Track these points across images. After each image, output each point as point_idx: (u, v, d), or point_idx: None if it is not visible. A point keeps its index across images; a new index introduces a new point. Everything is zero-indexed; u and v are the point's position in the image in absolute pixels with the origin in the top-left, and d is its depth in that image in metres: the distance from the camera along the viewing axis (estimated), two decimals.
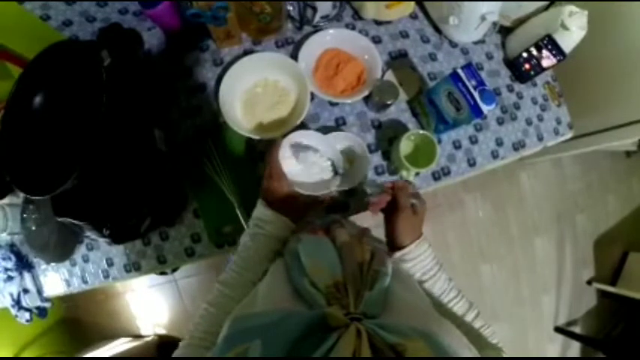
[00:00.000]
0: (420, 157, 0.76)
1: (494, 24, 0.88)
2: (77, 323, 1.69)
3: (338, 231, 0.46)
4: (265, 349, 0.25)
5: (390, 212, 0.52)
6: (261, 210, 0.53)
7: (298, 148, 0.59)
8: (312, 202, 0.57)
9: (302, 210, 0.56)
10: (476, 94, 0.70)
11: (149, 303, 1.74)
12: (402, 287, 0.39)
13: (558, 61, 0.84)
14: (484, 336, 0.48)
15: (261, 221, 0.52)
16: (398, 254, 0.50)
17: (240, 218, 0.74)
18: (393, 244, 0.52)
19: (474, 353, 0.31)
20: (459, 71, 0.70)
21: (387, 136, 0.83)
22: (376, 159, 0.83)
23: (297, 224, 0.54)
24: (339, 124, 0.83)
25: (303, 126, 0.80)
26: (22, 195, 0.83)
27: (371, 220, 0.58)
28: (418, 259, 0.49)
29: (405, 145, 0.75)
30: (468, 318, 0.48)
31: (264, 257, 0.51)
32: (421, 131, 0.72)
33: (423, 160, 0.73)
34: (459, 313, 0.49)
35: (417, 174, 0.80)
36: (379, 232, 0.61)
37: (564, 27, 0.81)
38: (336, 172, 0.60)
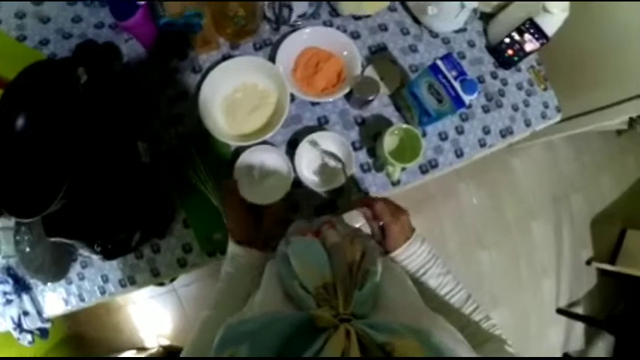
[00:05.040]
0: (405, 151, 0.76)
1: (475, 10, 0.87)
2: (81, 339, 1.69)
3: (329, 232, 0.46)
4: (252, 352, 0.25)
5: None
6: (232, 247, 0.59)
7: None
8: (274, 226, 0.66)
9: (268, 238, 0.63)
10: (457, 85, 0.69)
11: (151, 314, 1.73)
12: (393, 285, 0.39)
13: (541, 44, 0.83)
14: (484, 329, 0.47)
15: (236, 255, 0.58)
16: (388, 257, 0.52)
17: None
18: (384, 248, 0.54)
19: (468, 348, 0.30)
20: (439, 62, 0.69)
21: (372, 133, 0.83)
22: (362, 156, 0.82)
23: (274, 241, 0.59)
24: (322, 124, 0.82)
25: (286, 126, 0.81)
26: (13, 218, 0.83)
27: (362, 219, 0.59)
28: (410, 259, 0.51)
29: (390, 141, 0.74)
30: (466, 311, 0.48)
31: (247, 283, 0.55)
32: (404, 125, 0.72)
33: (408, 155, 0.73)
34: (455, 306, 0.49)
35: (404, 169, 0.79)
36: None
37: (546, 10, 0.80)
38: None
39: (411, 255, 0.51)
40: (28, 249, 0.78)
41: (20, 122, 0.64)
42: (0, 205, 0.57)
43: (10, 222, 0.83)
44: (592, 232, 2.02)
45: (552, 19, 0.82)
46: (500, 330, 0.48)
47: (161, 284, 1.61)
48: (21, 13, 0.83)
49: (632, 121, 1.37)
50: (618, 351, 1.87)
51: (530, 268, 1.93)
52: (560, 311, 1.92)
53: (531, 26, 0.83)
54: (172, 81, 0.83)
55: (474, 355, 0.30)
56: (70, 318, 1.60)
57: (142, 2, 0.71)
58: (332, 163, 0.75)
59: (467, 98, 0.69)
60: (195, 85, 0.82)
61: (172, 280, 1.58)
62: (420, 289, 0.49)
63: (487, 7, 0.91)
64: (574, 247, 1.99)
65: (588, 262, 1.99)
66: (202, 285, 1.71)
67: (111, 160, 0.67)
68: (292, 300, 0.35)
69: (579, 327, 1.98)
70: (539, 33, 0.83)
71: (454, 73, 0.70)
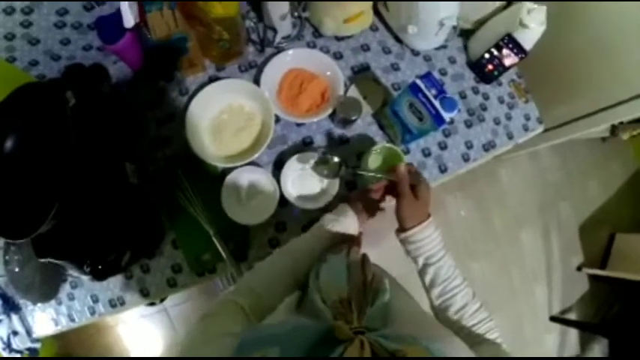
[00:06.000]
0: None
1: (455, 28, 0.90)
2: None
3: (354, 250, 0.50)
4: (284, 355, 0.27)
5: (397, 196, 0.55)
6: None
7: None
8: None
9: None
10: (436, 103, 0.70)
11: (141, 334, 1.72)
12: (400, 301, 0.42)
13: (520, 58, 0.85)
14: (480, 332, 0.49)
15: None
16: (402, 235, 0.54)
17: (218, 246, 0.75)
18: (400, 226, 0.55)
19: (469, 354, 0.34)
20: (418, 82, 0.71)
21: (355, 151, 0.84)
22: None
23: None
24: (307, 144, 0.84)
25: (271, 147, 0.82)
26: (2, 238, 0.83)
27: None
28: (423, 242, 0.52)
29: (373, 160, 0.76)
30: (471, 309, 0.50)
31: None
32: (387, 144, 0.73)
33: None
34: (462, 302, 0.50)
35: None
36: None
37: (523, 25, 0.82)
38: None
39: (425, 239, 0.52)
40: (17, 269, 0.79)
41: (9, 143, 0.64)
42: None
43: (0, 242, 0.83)
44: (581, 238, 2.03)
45: (530, 33, 0.84)
46: (499, 332, 0.49)
47: (152, 304, 1.60)
48: (10, 34, 0.84)
49: (614, 128, 1.40)
50: (614, 354, 1.87)
51: (522, 276, 1.93)
52: (553, 319, 1.92)
53: (510, 41, 0.84)
54: (160, 103, 0.85)
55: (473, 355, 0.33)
56: (60, 338, 1.56)
57: (130, 27, 0.73)
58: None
59: (447, 116, 0.70)
60: (182, 106, 0.83)
61: (163, 299, 1.56)
62: (433, 277, 0.52)
63: (467, 24, 0.93)
64: (564, 254, 2.00)
65: (579, 268, 2.00)
66: (193, 304, 1.69)
67: (99, 182, 0.68)
68: (302, 311, 0.38)
69: (574, 333, 1.99)
70: (517, 47, 0.84)
71: (434, 91, 0.71)
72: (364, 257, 0.53)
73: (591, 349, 1.99)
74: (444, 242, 0.53)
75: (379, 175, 0.60)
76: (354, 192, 0.65)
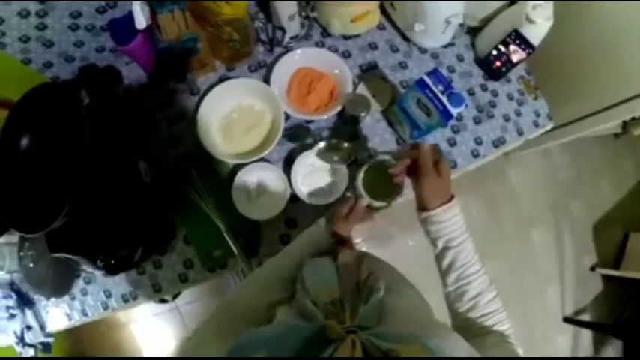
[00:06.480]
0: (385, 184, 0.65)
1: (462, 25, 0.89)
2: (83, 357, 1.68)
3: (343, 252, 0.48)
4: (270, 355, 0.27)
5: (417, 173, 0.53)
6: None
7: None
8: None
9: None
10: (444, 98, 0.70)
11: (153, 332, 1.73)
12: (402, 298, 0.42)
13: (528, 54, 0.84)
14: (490, 323, 0.48)
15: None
16: (424, 215, 0.52)
17: (229, 242, 0.76)
18: (421, 206, 0.53)
19: (472, 353, 0.33)
20: (425, 78, 0.71)
21: (364, 149, 0.85)
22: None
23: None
24: (316, 141, 0.84)
25: (281, 144, 0.83)
26: (18, 234, 0.85)
27: (364, 232, 0.60)
28: (445, 224, 0.50)
29: (368, 175, 0.68)
30: (486, 297, 0.49)
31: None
32: (380, 158, 0.65)
33: (388, 187, 0.65)
34: (477, 289, 0.49)
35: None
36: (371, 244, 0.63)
37: (529, 20, 0.81)
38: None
39: (448, 221, 0.50)
40: (31, 264, 0.80)
41: (25, 142, 0.66)
42: (5, 221, 0.59)
43: (15, 237, 0.85)
44: (594, 238, 2.00)
45: (537, 29, 0.83)
46: (510, 324, 0.48)
47: (164, 301, 1.60)
48: (25, 37, 0.86)
49: (625, 124, 1.38)
50: (628, 356, 1.83)
51: (533, 276, 1.91)
52: (566, 320, 1.90)
53: (517, 37, 0.84)
54: (171, 102, 0.86)
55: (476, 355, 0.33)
56: (72, 335, 1.59)
57: (141, 28, 0.75)
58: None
59: (454, 111, 0.71)
60: (194, 106, 0.85)
61: (175, 296, 1.57)
62: (451, 261, 0.50)
63: (473, 22, 0.93)
64: (576, 253, 1.97)
65: (592, 269, 1.97)
66: (205, 303, 1.70)
67: (113, 179, 0.69)
68: (301, 316, 0.38)
69: (587, 334, 1.96)
70: (524, 43, 0.84)
71: (441, 87, 0.71)
72: (362, 256, 0.53)
73: (605, 351, 1.96)
74: (466, 225, 0.51)
75: (393, 161, 0.56)
76: (337, 206, 0.63)
